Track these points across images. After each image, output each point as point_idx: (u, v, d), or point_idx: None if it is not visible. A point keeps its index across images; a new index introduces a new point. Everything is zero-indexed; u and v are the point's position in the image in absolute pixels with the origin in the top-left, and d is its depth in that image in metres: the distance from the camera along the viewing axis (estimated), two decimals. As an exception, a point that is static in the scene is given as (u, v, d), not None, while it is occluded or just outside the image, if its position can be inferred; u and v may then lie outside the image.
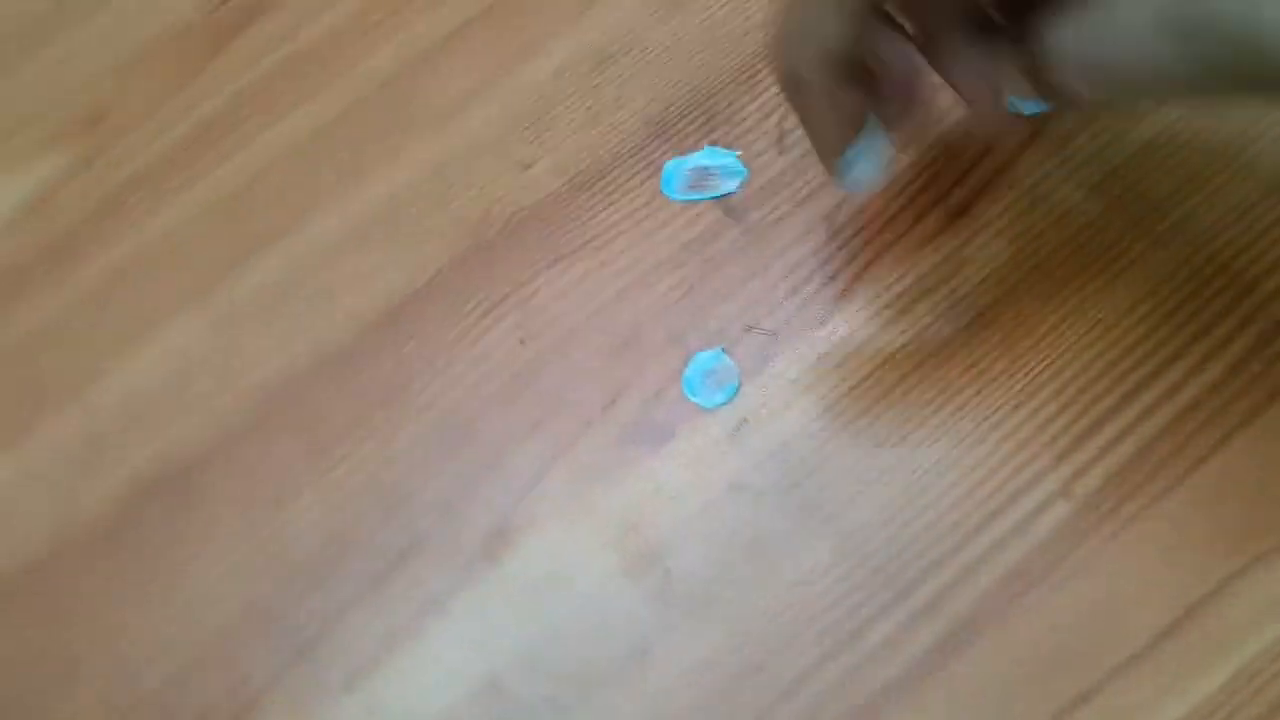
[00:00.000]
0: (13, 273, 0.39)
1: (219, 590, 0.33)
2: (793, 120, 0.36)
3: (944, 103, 0.34)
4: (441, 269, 0.37)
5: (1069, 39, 0.23)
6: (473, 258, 0.37)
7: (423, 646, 0.32)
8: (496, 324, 0.36)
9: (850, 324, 0.34)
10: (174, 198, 0.39)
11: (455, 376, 0.35)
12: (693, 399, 0.34)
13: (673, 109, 0.38)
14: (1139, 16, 0.22)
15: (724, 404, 0.34)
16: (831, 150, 0.28)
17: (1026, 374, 0.32)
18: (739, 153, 0.37)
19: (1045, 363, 0.32)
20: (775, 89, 0.37)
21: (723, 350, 0.34)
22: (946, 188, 0.35)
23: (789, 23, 0.27)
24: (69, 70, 0.42)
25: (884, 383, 0.33)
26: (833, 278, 0.35)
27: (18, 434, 0.36)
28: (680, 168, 0.37)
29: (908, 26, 0.28)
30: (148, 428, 0.36)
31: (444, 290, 0.36)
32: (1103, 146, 0.34)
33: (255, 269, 0.38)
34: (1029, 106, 0.31)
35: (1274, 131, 0.34)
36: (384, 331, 0.36)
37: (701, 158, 0.37)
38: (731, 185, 0.36)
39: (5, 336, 0.38)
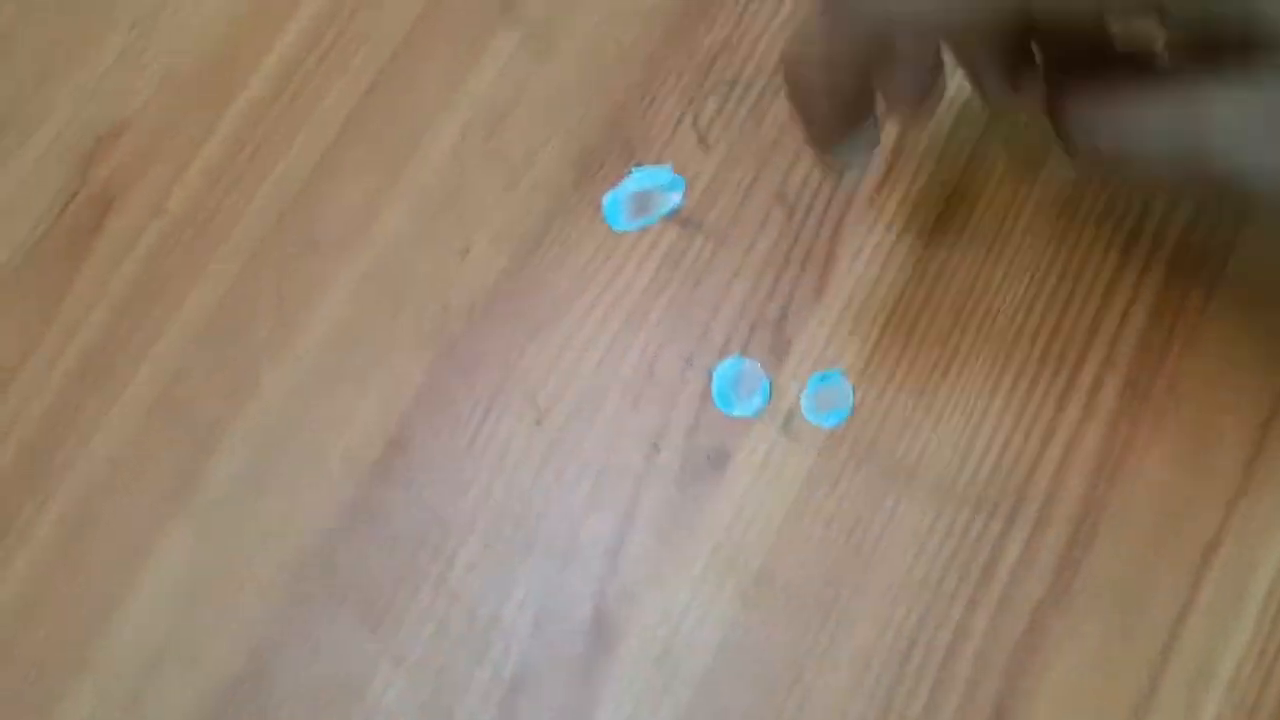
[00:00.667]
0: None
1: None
2: (706, 115, 0.36)
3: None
4: (424, 381, 0.35)
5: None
6: (449, 358, 0.35)
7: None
8: (504, 415, 0.34)
9: (846, 287, 0.34)
10: (98, 422, 0.36)
11: (485, 485, 0.33)
12: (732, 413, 0.33)
13: (586, 146, 0.37)
14: None
15: (764, 406, 0.33)
16: (832, 139, 0.28)
17: (1027, 274, 0.33)
18: (669, 165, 0.36)
19: (1043, 249, 0.33)
20: (675, 96, 0.37)
21: (740, 355, 0.33)
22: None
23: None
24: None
25: (904, 325, 0.33)
26: (809, 250, 0.34)
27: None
28: (618, 198, 0.36)
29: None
30: (178, 669, 0.32)
31: (436, 401, 0.34)
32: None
33: (223, 458, 0.34)
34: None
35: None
36: (392, 465, 0.34)
37: (634, 182, 0.36)
38: (675, 199, 0.36)
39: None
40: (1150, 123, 0.22)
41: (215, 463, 0.34)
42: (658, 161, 0.36)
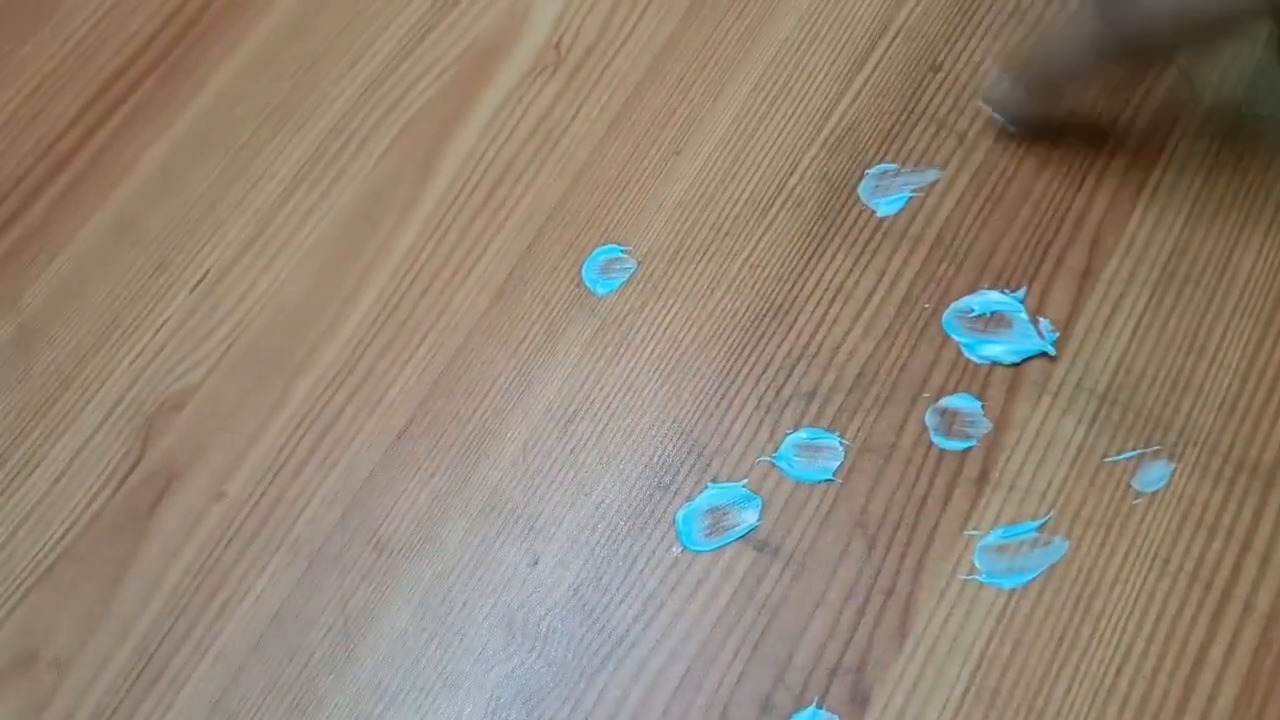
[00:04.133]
0: None
1: None
2: (782, 427, 0.36)
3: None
4: (488, 707, 0.34)
5: None
6: (513, 686, 0.35)
7: None
8: (570, 751, 0.34)
9: (930, 634, 0.34)
10: (151, 723, 0.35)
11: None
12: (808, 767, 0.33)
13: (659, 456, 0.37)
14: None
15: (841, 763, 0.33)
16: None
17: (1114, 622, 0.33)
18: (745, 481, 0.36)
19: (1128, 603, 0.33)
20: (752, 405, 0.37)
21: (818, 707, 0.33)
22: (960, 456, 0.36)
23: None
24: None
25: (989, 682, 0.33)
26: (891, 589, 0.35)
27: None
28: (692, 515, 0.36)
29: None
30: None
31: (501, 734, 0.34)
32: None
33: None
34: None
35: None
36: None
37: (709, 498, 0.36)
38: (752, 518, 0.36)
39: None
40: None
41: (272, 786, 0.34)
42: (732, 477, 0.37)
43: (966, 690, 0.32)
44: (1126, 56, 0.34)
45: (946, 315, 0.37)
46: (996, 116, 0.38)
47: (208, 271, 0.41)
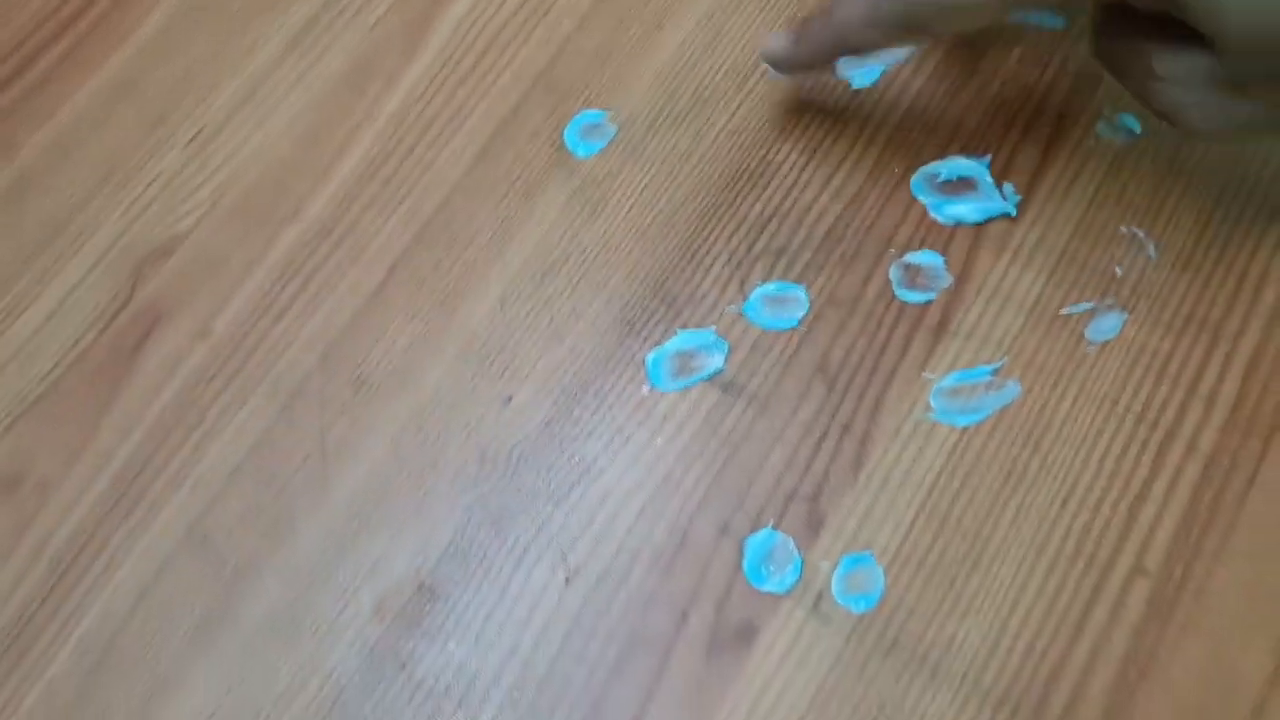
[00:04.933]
0: (-31, 683, 0.35)
1: None
2: (752, 281, 0.38)
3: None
4: (457, 529, 0.36)
5: None
6: (484, 508, 0.36)
7: None
8: (534, 568, 0.35)
9: (883, 467, 0.35)
10: (129, 549, 0.37)
11: (511, 642, 0.34)
12: (763, 588, 0.34)
13: (632, 304, 0.39)
14: None
15: (795, 583, 0.34)
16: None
17: (1062, 459, 0.34)
18: (713, 328, 0.38)
19: (1077, 443, 0.35)
20: (723, 260, 0.39)
21: (772, 528, 0.35)
22: (920, 309, 0.37)
23: None
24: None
25: (939, 510, 0.34)
26: (848, 425, 0.36)
27: None
28: (662, 357, 0.38)
29: None
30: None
31: (467, 551, 0.36)
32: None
33: (254, 597, 0.35)
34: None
35: None
36: (421, 614, 0.35)
37: (678, 343, 0.38)
38: (718, 361, 0.37)
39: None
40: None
41: (245, 601, 0.36)
42: (702, 324, 0.38)
43: (916, 517, 0.34)
44: (898, 34, 0.34)
45: (914, 178, 0.39)
46: (771, 70, 0.39)
47: (201, 129, 0.43)
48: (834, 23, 0.35)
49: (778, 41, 0.37)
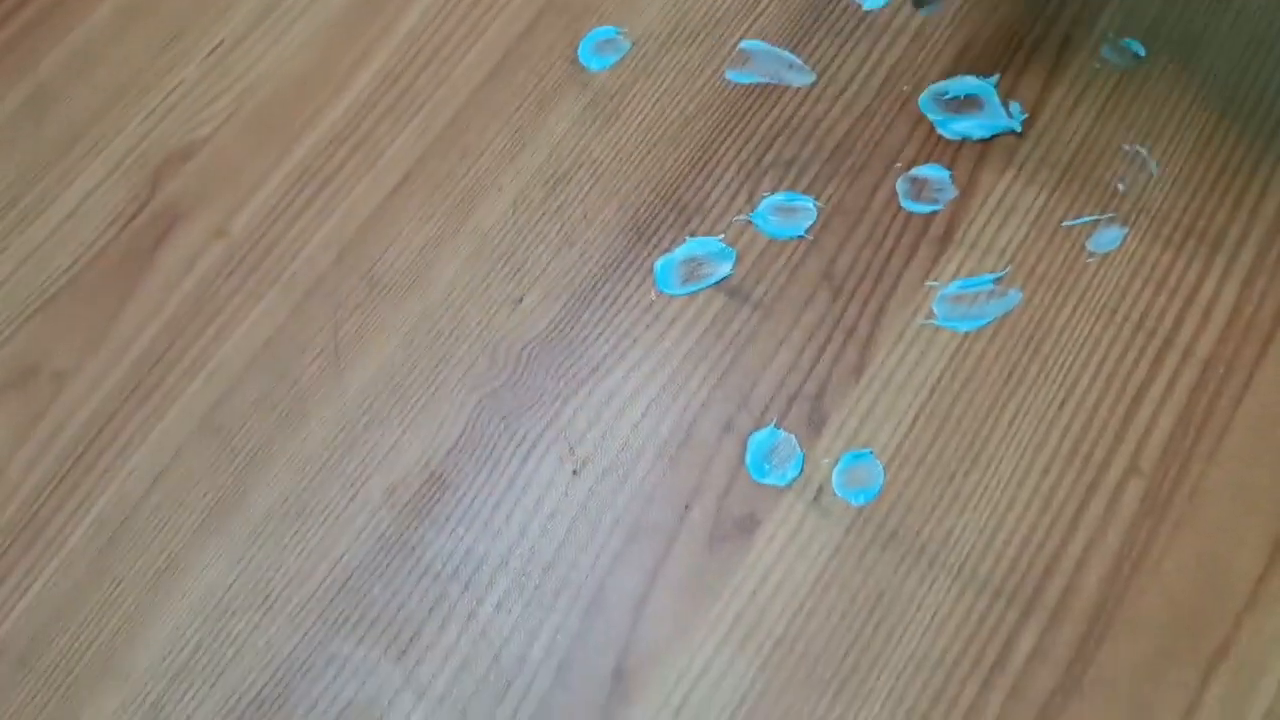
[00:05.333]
0: (-15, 560, 0.36)
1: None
2: (761, 191, 0.38)
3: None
4: (467, 422, 0.37)
5: None
6: (494, 403, 0.37)
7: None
8: (542, 462, 0.36)
9: (885, 369, 0.36)
10: (144, 436, 0.38)
11: (518, 528, 0.35)
12: (765, 481, 0.35)
13: (642, 212, 0.39)
14: None
15: (797, 477, 0.35)
16: None
17: (1061, 363, 0.35)
18: (722, 237, 0.39)
19: (1076, 347, 0.36)
20: (734, 171, 0.40)
21: (776, 426, 0.36)
22: (926, 219, 0.38)
23: None
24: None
25: (939, 410, 0.35)
26: (852, 330, 0.37)
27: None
28: (670, 264, 0.39)
29: None
30: (202, 684, 0.34)
31: (476, 443, 0.36)
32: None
33: (265, 484, 0.36)
34: None
35: None
36: (430, 502, 0.36)
37: (687, 250, 0.39)
38: (725, 268, 0.38)
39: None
40: None
41: (256, 487, 0.37)
42: (710, 232, 0.39)
43: (917, 417, 0.35)
44: None
45: (923, 96, 0.39)
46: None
47: (221, 42, 0.44)
48: None
49: None
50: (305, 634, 0.34)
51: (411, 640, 0.33)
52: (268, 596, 0.34)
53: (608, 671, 0.32)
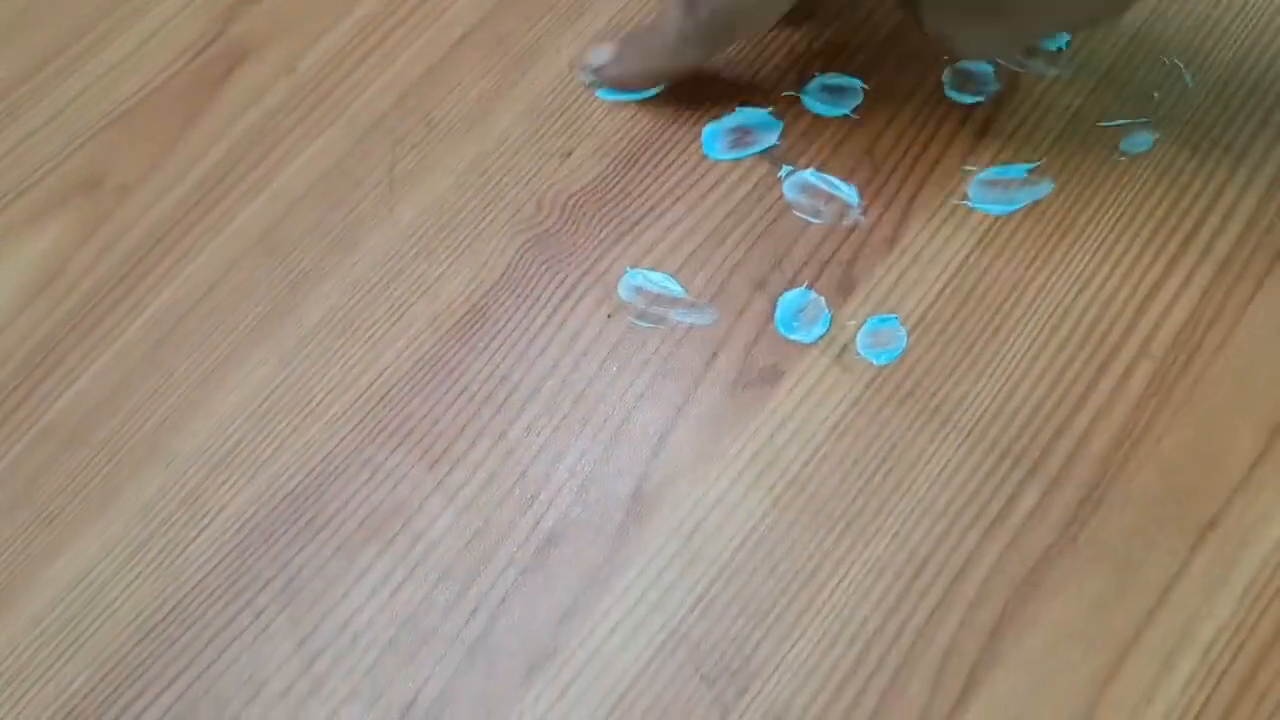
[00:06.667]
0: (43, 348, 0.38)
1: (377, 620, 0.34)
2: (812, 71, 0.40)
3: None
4: (511, 262, 0.38)
5: None
6: (538, 247, 0.39)
7: (596, 618, 0.33)
8: (579, 304, 0.38)
9: (918, 243, 0.38)
10: (203, 247, 0.40)
11: (552, 360, 0.37)
12: (791, 337, 0.37)
13: (697, 80, 0.41)
14: None
15: (823, 335, 0.37)
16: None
17: (1085, 251, 0.37)
18: (770, 110, 0.40)
19: (1100, 238, 0.37)
20: (787, 50, 0.41)
21: (807, 288, 0.37)
22: (967, 109, 0.40)
23: None
24: (53, 136, 0.41)
25: (964, 285, 0.37)
26: (889, 203, 0.39)
27: (103, 506, 0.35)
28: (718, 130, 0.40)
29: None
30: (240, 475, 0.35)
31: (518, 282, 0.38)
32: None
33: (315, 299, 0.38)
34: None
35: None
36: (470, 330, 0.37)
37: (735, 119, 0.40)
38: (772, 139, 0.40)
39: (49, 417, 0.37)
40: None
41: (306, 302, 0.38)
42: (760, 104, 0.41)
43: (943, 290, 0.37)
44: (710, 40, 0.38)
45: (973, -3, 0.41)
46: (588, 79, 0.41)
47: (300, -109, 0.45)
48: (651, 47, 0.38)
49: (599, 57, 0.40)
50: (343, 439, 0.35)
51: (444, 453, 0.35)
52: (310, 401, 0.36)
53: (627, 494, 0.34)
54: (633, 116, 0.40)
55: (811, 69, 0.40)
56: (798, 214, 0.38)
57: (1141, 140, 0.38)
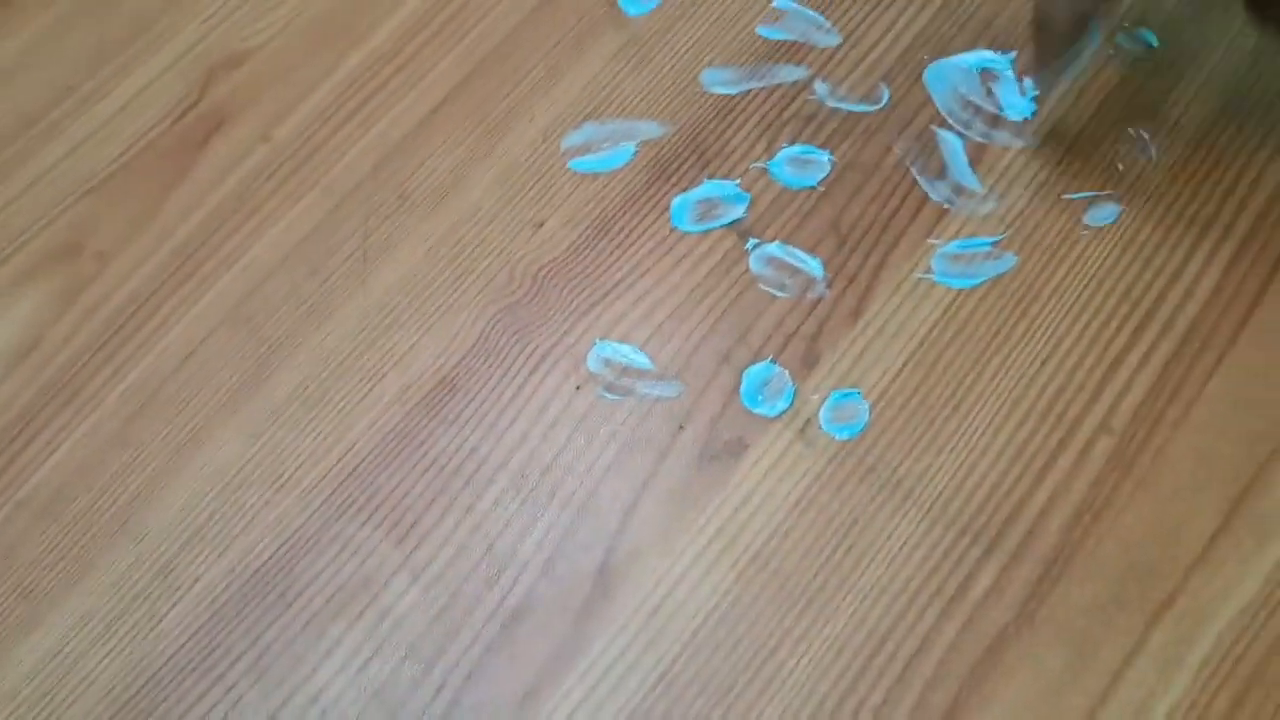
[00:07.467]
0: (21, 419, 0.39)
1: (345, 695, 0.34)
2: (780, 142, 0.41)
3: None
4: (482, 333, 0.39)
5: None
6: (508, 318, 0.39)
7: (558, 697, 0.34)
8: (548, 375, 0.38)
9: (880, 317, 0.38)
10: (180, 317, 0.40)
11: (521, 433, 0.38)
12: (756, 410, 0.37)
13: (665, 151, 0.42)
14: None
15: (787, 409, 0.37)
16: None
17: (1048, 325, 0.37)
18: (738, 181, 0.41)
19: (1063, 311, 0.38)
20: (755, 121, 0.42)
21: (772, 361, 0.38)
22: (922, 199, 0.40)
23: None
24: (34, 202, 0.42)
25: (927, 359, 0.37)
26: (854, 276, 0.39)
27: (78, 580, 0.36)
28: (687, 202, 0.41)
29: None
30: (211, 550, 0.36)
31: (489, 353, 0.39)
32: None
33: (288, 370, 0.39)
34: None
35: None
36: (440, 402, 0.38)
37: (704, 191, 0.41)
38: (739, 211, 0.40)
39: (25, 490, 0.38)
40: None
41: (278, 373, 0.39)
42: (728, 176, 0.41)
43: (906, 364, 0.37)
44: None
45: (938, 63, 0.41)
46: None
47: (279, -44, 0.46)
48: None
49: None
50: (313, 512, 0.36)
51: (412, 527, 0.36)
52: (281, 475, 0.36)
53: (593, 568, 0.35)
54: (604, 186, 0.40)
55: (780, 138, 0.40)
56: (764, 287, 0.38)
57: (1106, 213, 0.38)
